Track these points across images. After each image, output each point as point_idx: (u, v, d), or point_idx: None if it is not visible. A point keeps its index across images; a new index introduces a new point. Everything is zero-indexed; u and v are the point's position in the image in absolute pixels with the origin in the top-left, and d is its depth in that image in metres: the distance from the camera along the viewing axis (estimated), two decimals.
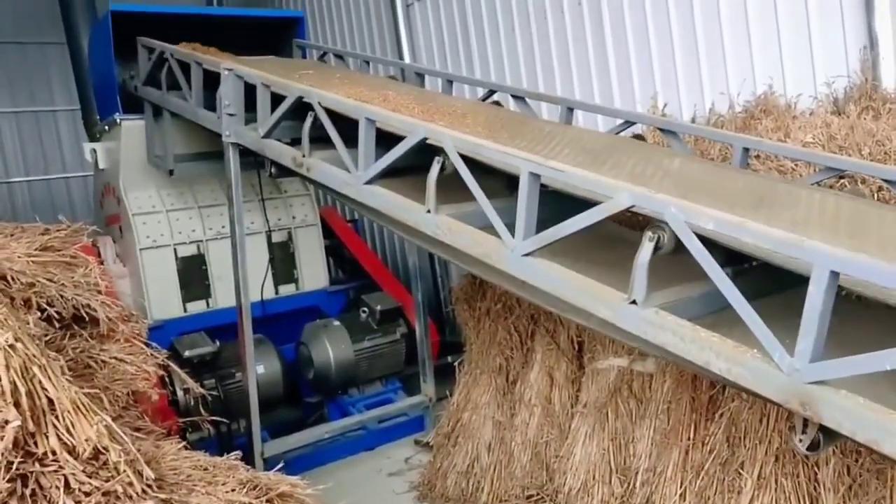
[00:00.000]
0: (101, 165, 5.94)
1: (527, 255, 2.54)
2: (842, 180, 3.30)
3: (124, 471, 1.99)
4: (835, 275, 1.75)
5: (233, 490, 2.34)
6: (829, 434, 1.85)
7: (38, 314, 2.79)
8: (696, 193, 2.50)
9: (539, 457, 4.24)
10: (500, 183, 3.20)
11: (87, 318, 3.09)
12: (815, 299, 1.77)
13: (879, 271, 1.68)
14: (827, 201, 2.71)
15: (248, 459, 3.30)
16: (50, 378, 2.01)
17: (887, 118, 3.66)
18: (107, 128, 5.90)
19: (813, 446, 1.90)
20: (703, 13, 4.81)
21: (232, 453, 2.67)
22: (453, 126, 3.28)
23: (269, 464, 4.57)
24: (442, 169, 2.91)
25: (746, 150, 3.45)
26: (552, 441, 4.19)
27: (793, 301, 1.93)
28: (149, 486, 2.07)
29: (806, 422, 1.87)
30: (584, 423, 3.97)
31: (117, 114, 5.63)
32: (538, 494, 4.15)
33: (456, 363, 4.98)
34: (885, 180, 2.98)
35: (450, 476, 4.65)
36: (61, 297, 2.96)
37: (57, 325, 2.94)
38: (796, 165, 3.54)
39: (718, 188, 2.88)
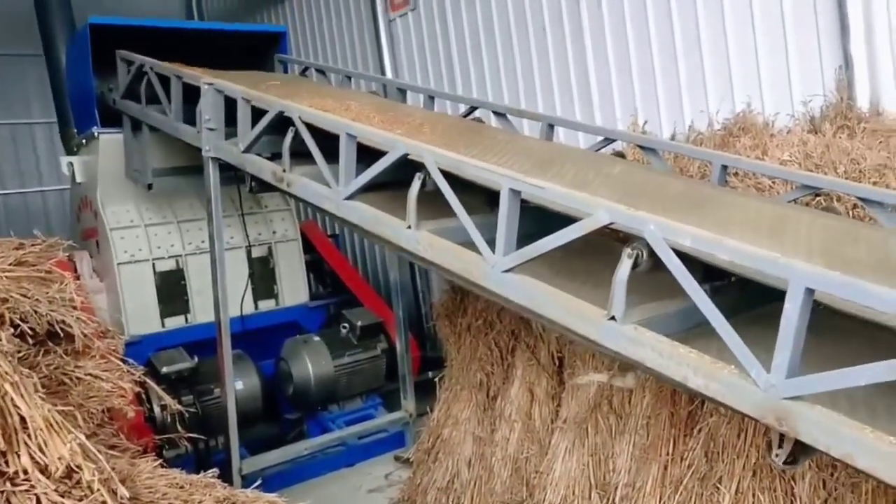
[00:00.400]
0: (79, 179, 5.88)
1: (507, 270, 2.55)
2: (818, 198, 3.35)
3: (98, 490, 1.96)
4: (810, 291, 1.77)
5: None
6: (805, 449, 1.87)
7: (12, 330, 2.73)
8: (631, 198, 2.58)
9: (519, 472, 4.22)
10: (480, 198, 3.22)
11: (61, 334, 3.04)
12: (791, 315, 1.79)
13: (853, 288, 1.70)
14: (749, 205, 2.85)
15: (225, 477, 3.27)
16: (22, 395, 1.98)
17: (862, 137, 3.72)
18: (84, 141, 5.85)
19: (790, 461, 1.91)
20: (683, 33, 4.88)
21: (209, 471, 2.64)
22: (409, 135, 3.34)
23: (247, 481, 4.52)
24: (423, 184, 2.92)
25: (725, 167, 3.50)
26: (532, 456, 4.18)
27: (771, 316, 1.95)
28: None
29: (783, 437, 1.89)
30: (564, 438, 3.96)
31: (95, 127, 5.59)
32: None
33: (436, 379, 4.96)
34: (860, 198, 3.03)
35: (430, 492, 4.61)
36: (35, 312, 2.91)
37: (31, 341, 2.88)
38: (773, 183, 3.59)
39: (654, 193, 2.97)
